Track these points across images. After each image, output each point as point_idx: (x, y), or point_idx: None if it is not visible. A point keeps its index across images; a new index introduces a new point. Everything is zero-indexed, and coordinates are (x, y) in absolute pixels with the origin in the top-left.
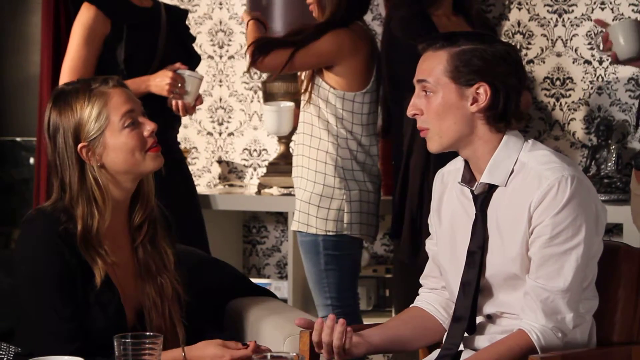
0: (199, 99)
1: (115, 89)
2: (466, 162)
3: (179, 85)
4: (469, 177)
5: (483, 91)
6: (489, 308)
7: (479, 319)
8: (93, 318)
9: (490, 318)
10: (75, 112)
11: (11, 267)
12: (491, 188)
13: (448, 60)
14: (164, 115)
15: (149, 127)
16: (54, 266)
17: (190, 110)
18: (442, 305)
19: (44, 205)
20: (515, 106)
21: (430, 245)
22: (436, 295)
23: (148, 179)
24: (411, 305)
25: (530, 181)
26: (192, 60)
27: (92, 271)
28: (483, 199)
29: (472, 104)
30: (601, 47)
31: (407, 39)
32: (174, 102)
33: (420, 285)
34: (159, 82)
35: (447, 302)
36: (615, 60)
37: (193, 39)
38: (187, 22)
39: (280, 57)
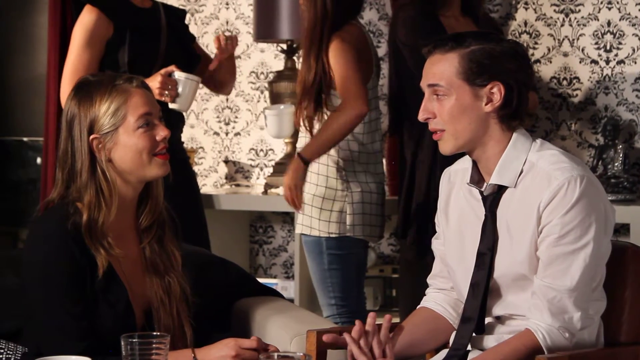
0: (231, 60)
1: (138, 89)
2: (474, 163)
3: (170, 87)
4: (477, 178)
5: (497, 90)
6: (497, 310)
7: (488, 320)
8: (102, 316)
9: (499, 319)
10: (94, 103)
11: (19, 266)
12: (500, 189)
13: (460, 62)
14: (168, 115)
15: (162, 132)
16: (63, 265)
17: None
18: (451, 305)
19: (51, 198)
20: (526, 103)
21: (437, 244)
22: (444, 295)
23: (157, 183)
24: (419, 306)
25: (540, 181)
26: (192, 61)
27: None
28: (492, 199)
29: (486, 104)
30: None
31: (415, 39)
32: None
33: (427, 285)
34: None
35: (455, 302)
36: None
37: (192, 38)
38: (186, 22)
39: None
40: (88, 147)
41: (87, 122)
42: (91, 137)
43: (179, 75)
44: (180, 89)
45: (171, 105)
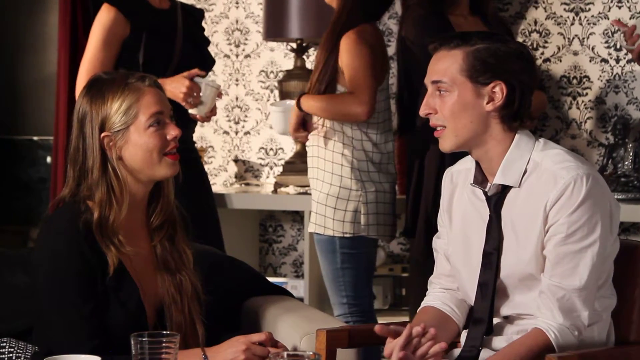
0: (213, 110)
1: (150, 87)
2: (477, 163)
3: (194, 94)
4: (481, 179)
5: (499, 90)
6: (505, 310)
7: (497, 320)
8: (113, 315)
9: (507, 319)
10: (106, 101)
11: (29, 265)
12: (504, 189)
13: (464, 59)
14: (179, 114)
15: (173, 131)
16: (73, 264)
17: (204, 119)
18: (457, 305)
19: (62, 196)
20: (528, 105)
21: (440, 243)
22: (450, 295)
23: (168, 182)
24: (425, 305)
25: (545, 181)
26: (206, 64)
27: (113, 269)
28: (497, 200)
29: (488, 103)
30: (625, 42)
31: (423, 37)
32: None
33: None
34: (174, 88)
35: (460, 302)
36: (638, 56)
37: (208, 42)
38: (203, 23)
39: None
40: (99, 145)
41: (98, 119)
42: (102, 134)
43: (201, 80)
44: (202, 94)
45: (191, 111)
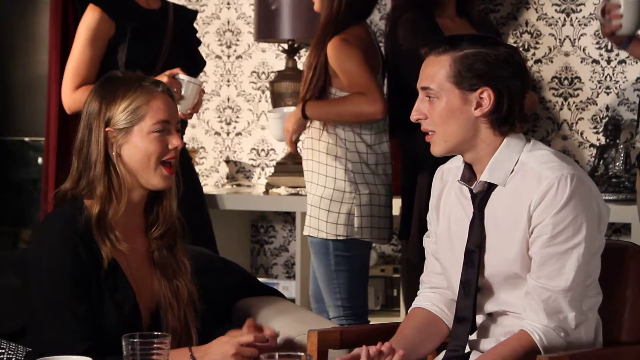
0: (195, 107)
1: (162, 94)
2: (467, 163)
3: (175, 90)
4: (468, 176)
5: (487, 96)
6: (490, 307)
7: (481, 318)
8: (108, 316)
9: (491, 316)
10: (116, 98)
11: (21, 266)
12: (490, 187)
13: (451, 65)
14: None
15: (175, 141)
16: (68, 264)
17: (186, 116)
18: (446, 305)
19: (65, 188)
20: (520, 109)
21: (429, 243)
22: (439, 295)
23: (171, 193)
24: (415, 306)
25: (530, 180)
26: (196, 65)
27: (109, 270)
28: (481, 197)
29: (475, 109)
30: (602, 16)
31: (412, 39)
32: None
33: None
34: None
35: (450, 302)
36: (610, 35)
37: (199, 42)
38: (195, 24)
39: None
40: (104, 140)
41: (106, 115)
42: (107, 129)
43: (182, 77)
44: (183, 92)
45: None
